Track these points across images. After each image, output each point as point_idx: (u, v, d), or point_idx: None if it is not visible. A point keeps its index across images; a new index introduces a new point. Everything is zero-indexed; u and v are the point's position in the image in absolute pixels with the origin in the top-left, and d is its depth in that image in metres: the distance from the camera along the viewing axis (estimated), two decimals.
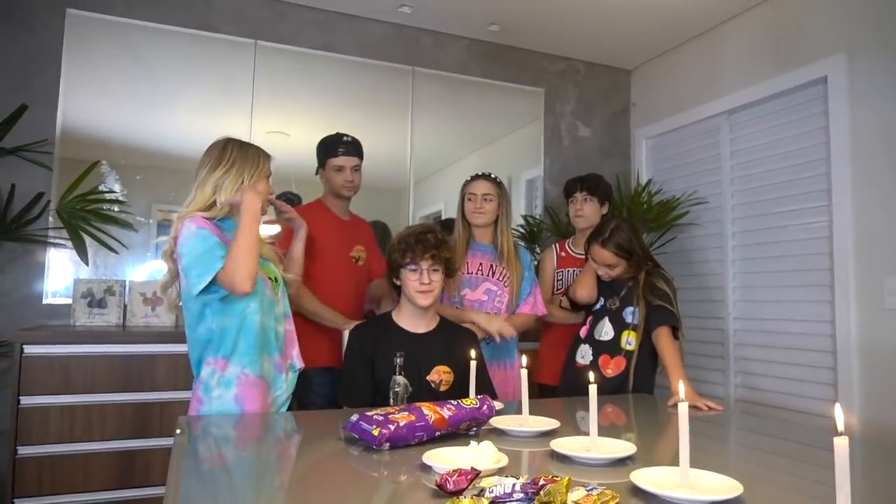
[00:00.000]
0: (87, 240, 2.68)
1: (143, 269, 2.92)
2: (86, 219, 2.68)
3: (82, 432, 2.30)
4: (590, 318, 2.35)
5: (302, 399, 2.19)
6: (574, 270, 2.63)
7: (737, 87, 3.18)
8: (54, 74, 2.79)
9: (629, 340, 2.21)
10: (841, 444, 0.78)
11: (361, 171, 2.49)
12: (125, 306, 2.74)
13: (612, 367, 2.21)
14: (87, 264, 2.70)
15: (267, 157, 1.87)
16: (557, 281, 2.69)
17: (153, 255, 2.96)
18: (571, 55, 3.84)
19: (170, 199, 3.05)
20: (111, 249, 2.72)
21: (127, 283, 2.79)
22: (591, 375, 1.32)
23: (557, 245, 2.81)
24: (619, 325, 2.23)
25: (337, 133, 2.48)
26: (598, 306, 2.34)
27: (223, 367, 1.72)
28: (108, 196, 2.80)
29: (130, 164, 2.91)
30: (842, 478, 0.78)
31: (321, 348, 2.30)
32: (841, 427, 0.79)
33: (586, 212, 2.65)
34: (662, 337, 2.14)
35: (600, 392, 1.35)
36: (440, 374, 1.91)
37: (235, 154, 1.81)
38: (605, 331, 2.25)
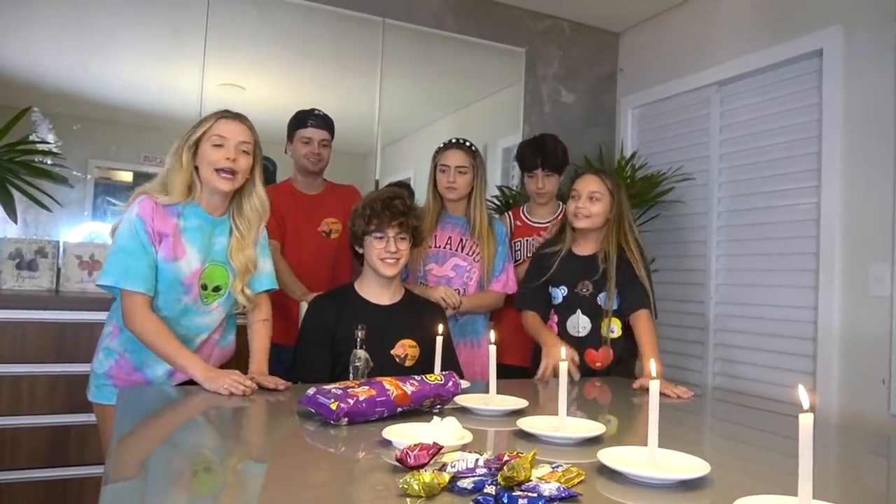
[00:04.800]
0: (17, 195, 2.63)
1: (80, 230, 2.89)
2: (14, 171, 2.62)
3: (9, 405, 2.29)
4: (555, 316, 2.30)
5: None
6: (531, 239, 2.65)
7: (729, 57, 3.25)
8: None
9: (612, 328, 2.21)
10: (805, 421, 0.84)
11: (331, 148, 2.59)
12: (59, 269, 2.71)
13: (600, 360, 2.21)
14: (15, 222, 2.65)
15: (215, 115, 1.77)
16: (515, 252, 2.74)
17: (90, 214, 2.93)
18: (557, 13, 3.85)
19: (110, 153, 3.01)
20: (43, 207, 2.67)
21: (61, 244, 2.76)
22: (564, 352, 1.37)
23: (511, 213, 2.80)
24: (596, 314, 2.22)
25: (311, 108, 2.58)
26: (559, 299, 2.28)
27: (112, 337, 1.82)
28: (40, 147, 2.75)
29: (66, 113, 2.85)
30: (805, 456, 0.84)
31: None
32: (806, 405, 0.85)
33: (548, 188, 2.66)
34: (643, 320, 2.15)
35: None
36: (405, 349, 1.95)
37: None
38: (582, 325, 2.22)
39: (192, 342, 1.82)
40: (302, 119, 2.53)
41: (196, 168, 1.75)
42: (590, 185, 2.22)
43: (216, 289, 1.82)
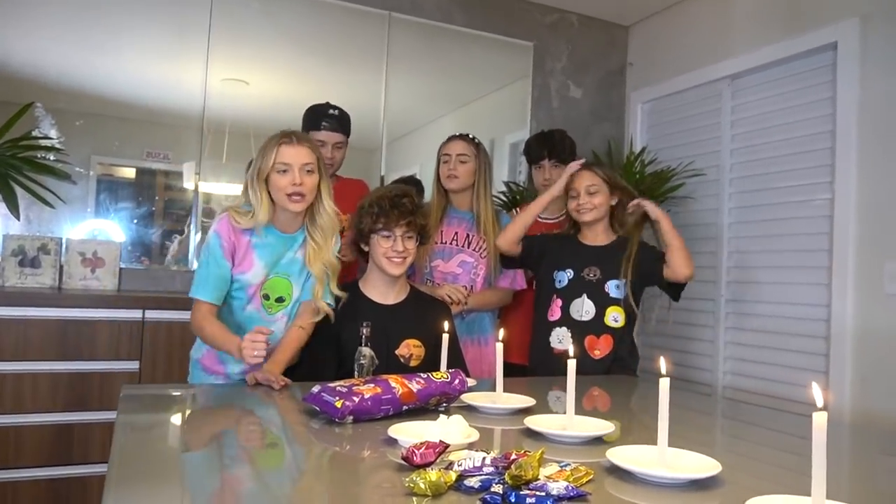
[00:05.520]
0: (19, 191, 2.64)
1: (82, 227, 2.90)
2: (17, 167, 2.63)
3: (12, 403, 2.30)
4: (558, 300, 2.30)
5: None
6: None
7: (742, 51, 3.23)
8: None
9: (615, 317, 2.23)
10: (819, 420, 0.83)
11: (346, 147, 2.49)
12: (61, 266, 2.73)
13: (599, 349, 2.22)
14: (17, 219, 2.66)
15: (277, 140, 1.84)
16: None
17: (93, 211, 2.94)
18: (565, 6, 3.84)
19: (112, 149, 3.02)
20: (46, 203, 2.68)
21: (64, 240, 2.77)
22: (571, 350, 1.37)
23: (518, 210, 2.77)
24: (602, 301, 2.24)
25: (326, 103, 2.47)
26: (565, 282, 2.29)
27: None
28: (42, 143, 2.76)
29: (69, 109, 2.86)
30: (819, 455, 0.83)
31: None
32: (820, 403, 0.85)
33: (555, 180, 2.66)
34: None
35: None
36: (410, 348, 1.95)
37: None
38: (586, 309, 2.24)
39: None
40: (315, 120, 2.41)
41: (269, 192, 1.86)
42: (585, 180, 2.31)
43: (279, 299, 1.92)
